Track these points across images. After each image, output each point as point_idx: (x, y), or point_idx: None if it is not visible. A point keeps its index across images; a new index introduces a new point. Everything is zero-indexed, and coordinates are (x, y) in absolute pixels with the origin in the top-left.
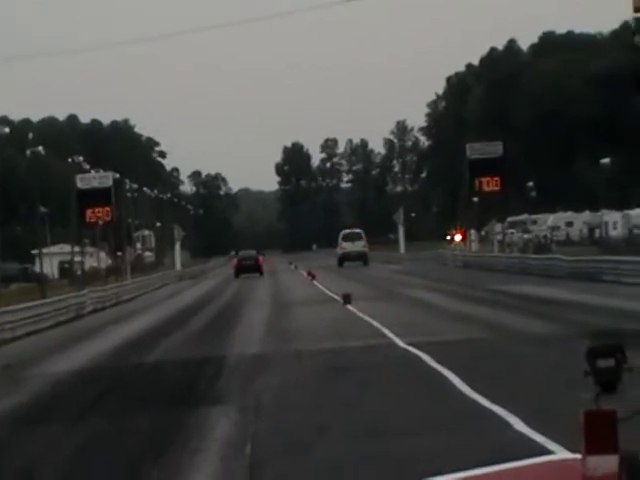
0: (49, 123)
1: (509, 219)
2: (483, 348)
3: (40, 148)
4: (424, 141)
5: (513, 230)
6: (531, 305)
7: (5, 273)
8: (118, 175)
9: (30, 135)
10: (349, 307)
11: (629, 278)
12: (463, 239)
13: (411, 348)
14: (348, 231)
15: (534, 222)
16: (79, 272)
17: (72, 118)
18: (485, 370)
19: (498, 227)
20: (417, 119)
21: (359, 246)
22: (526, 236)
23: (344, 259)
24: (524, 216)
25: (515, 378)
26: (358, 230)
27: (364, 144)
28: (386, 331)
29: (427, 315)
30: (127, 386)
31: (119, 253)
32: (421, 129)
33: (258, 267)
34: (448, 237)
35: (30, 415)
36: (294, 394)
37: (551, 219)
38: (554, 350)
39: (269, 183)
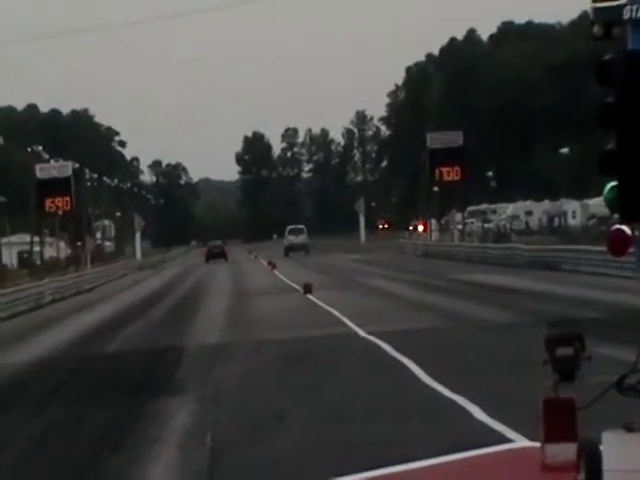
0: (7, 112)
1: (469, 208)
2: (443, 337)
3: None
4: (384, 131)
5: (473, 219)
6: (490, 294)
7: None
8: (78, 165)
9: None
10: (310, 296)
11: (588, 267)
12: (425, 230)
13: (371, 337)
14: (293, 227)
15: (494, 211)
16: (38, 262)
17: (31, 107)
18: (445, 359)
19: (458, 216)
20: (378, 109)
21: (302, 239)
22: (486, 225)
23: (289, 249)
24: (484, 206)
25: (475, 367)
26: (301, 226)
27: (324, 134)
28: (346, 320)
29: (387, 304)
30: (86, 376)
31: (79, 243)
32: (381, 119)
33: (224, 254)
34: (410, 227)
35: None
36: (254, 383)
37: (510, 208)
38: (513, 339)
39: (230, 173)
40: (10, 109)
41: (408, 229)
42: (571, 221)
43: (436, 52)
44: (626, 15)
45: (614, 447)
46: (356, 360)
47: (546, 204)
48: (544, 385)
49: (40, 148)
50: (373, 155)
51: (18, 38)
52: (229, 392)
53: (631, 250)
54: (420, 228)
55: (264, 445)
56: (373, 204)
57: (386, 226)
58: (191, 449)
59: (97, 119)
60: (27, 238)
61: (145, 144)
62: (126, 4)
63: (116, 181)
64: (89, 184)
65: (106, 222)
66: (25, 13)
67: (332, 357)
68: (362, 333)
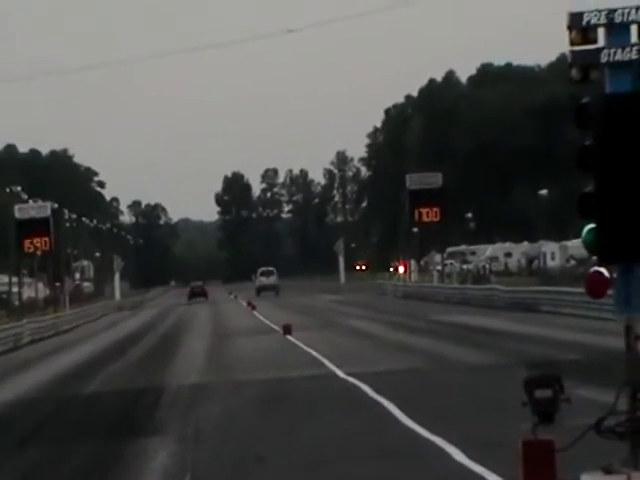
0: None
1: (448, 250)
2: (422, 378)
3: None
4: (364, 171)
5: (452, 261)
6: (470, 335)
7: None
8: (57, 205)
9: None
10: (289, 337)
11: (567, 309)
12: (406, 271)
13: (350, 378)
14: (264, 269)
15: (473, 253)
16: (17, 302)
17: (10, 147)
18: (424, 400)
19: (437, 257)
20: (357, 149)
21: (272, 280)
22: (465, 267)
23: (261, 290)
24: (463, 247)
25: (454, 408)
26: (271, 268)
27: (304, 174)
28: (326, 361)
29: (367, 345)
30: (65, 417)
31: (58, 283)
32: (361, 160)
33: (204, 293)
34: (391, 269)
35: None
36: (234, 424)
37: (490, 250)
38: (492, 380)
39: (209, 213)
40: None
41: (389, 270)
42: (550, 263)
43: (415, 93)
44: (604, 59)
45: None
46: (335, 401)
47: (525, 246)
48: (523, 427)
49: (19, 188)
50: (353, 196)
51: None
52: (209, 433)
53: (610, 292)
54: (401, 269)
55: None
56: (353, 245)
57: (363, 268)
58: None
59: (76, 159)
60: (5, 279)
61: (124, 184)
62: (105, 45)
63: (95, 221)
64: (68, 224)
65: (85, 263)
66: (4, 53)
67: (312, 398)
68: (341, 374)
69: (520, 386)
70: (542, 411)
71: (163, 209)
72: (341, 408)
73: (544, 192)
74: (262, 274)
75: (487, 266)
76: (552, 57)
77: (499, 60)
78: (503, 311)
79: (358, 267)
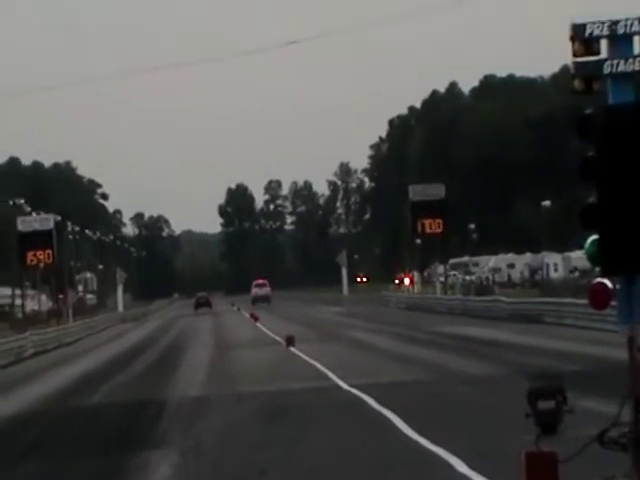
0: None
1: (451, 261)
2: (425, 390)
3: None
4: (368, 183)
5: (455, 272)
6: (472, 346)
7: None
8: (59, 217)
9: None
10: (292, 349)
11: (570, 320)
12: (411, 282)
13: (354, 390)
14: (258, 281)
15: (476, 264)
16: (20, 315)
17: (13, 160)
18: (427, 412)
19: (440, 269)
20: (361, 161)
21: (265, 291)
22: (468, 278)
23: (255, 300)
24: (466, 258)
25: (456, 419)
26: (265, 280)
27: (308, 186)
28: (329, 373)
29: (370, 357)
30: (67, 430)
31: (61, 296)
32: (364, 171)
33: (209, 303)
34: (396, 280)
35: None
36: (235, 436)
37: (492, 261)
38: (495, 391)
39: (212, 225)
40: None
41: (393, 282)
42: (553, 274)
43: (418, 105)
44: (606, 70)
45: None
46: (339, 413)
47: (528, 257)
48: (526, 438)
49: (22, 201)
50: (356, 207)
51: (0, 91)
52: (211, 445)
53: (613, 303)
54: (406, 281)
55: None
56: (356, 256)
57: (364, 280)
58: None
59: (79, 172)
60: (8, 291)
61: (127, 196)
62: (109, 57)
63: (98, 234)
64: (71, 237)
65: (88, 275)
66: (6, 66)
67: (314, 410)
68: (344, 386)
69: (523, 397)
70: (545, 422)
71: (166, 221)
72: (344, 420)
73: (547, 203)
74: (256, 286)
75: (490, 277)
76: (555, 68)
77: (501, 72)
78: (506, 322)
79: (359, 279)
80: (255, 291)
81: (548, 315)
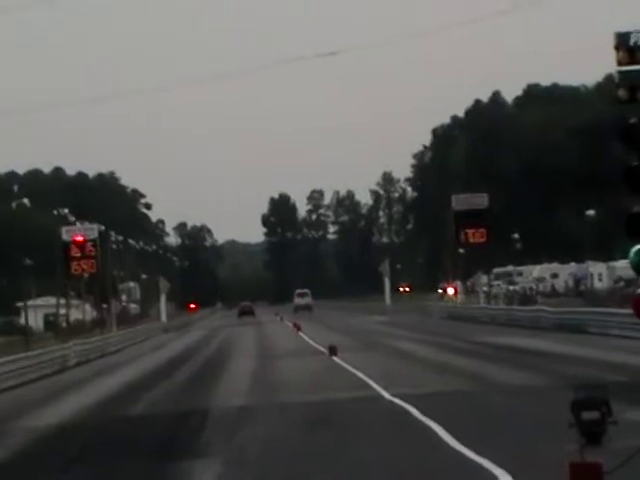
0: (34, 176)
1: (495, 270)
2: (468, 400)
3: (25, 200)
4: (410, 192)
5: (499, 282)
6: (516, 357)
7: None
8: (103, 227)
9: (15, 187)
10: (335, 359)
11: (615, 330)
12: (456, 293)
13: (396, 400)
14: (299, 290)
15: (519, 274)
16: (64, 324)
17: (58, 170)
18: (471, 422)
19: (484, 279)
20: (403, 170)
21: (306, 300)
22: (511, 287)
23: (297, 309)
24: (509, 267)
25: (501, 430)
26: (306, 290)
27: (350, 195)
28: (372, 383)
29: (412, 367)
30: (111, 439)
31: (104, 305)
32: (407, 180)
33: (252, 312)
34: (440, 290)
35: (13, 470)
36: (279, 446)
37: (536, 270)
38: (539, 402)
39: (255, 234)
40: (37, 172)
41: (437, 291)
42: (597, 284)
43: (461, 114)
44: None
45: None
46: (382, 423)
47: (572, 266)
48: (570, 449)
49: (66, 211)
50: (399, 217)
51: (46, 103)
52: (254, 455)
53: None
54: (450, 291)
55: None
56: (398, 266)
57: (407, 289)
58: None
59: (123, 181)
60: (53, 301)
61: (170, 206)
62: (153, 69)
63: (141, 243)
64: (115, 246)
65: (131, 284)
66: (54, 78)
67: (357, 420)
68: (387, 396)
69: (567, 408)
70: (589, 433)
71: (209, 231)
72: (387, 430)
73: (591, 212)
74: (298, 295)
75: (534, 287)
76: (599, 77)
77: (545, 80)
78: (550, 332)
79: (401, 288)
80: (297, 300)
81: (592, 325)
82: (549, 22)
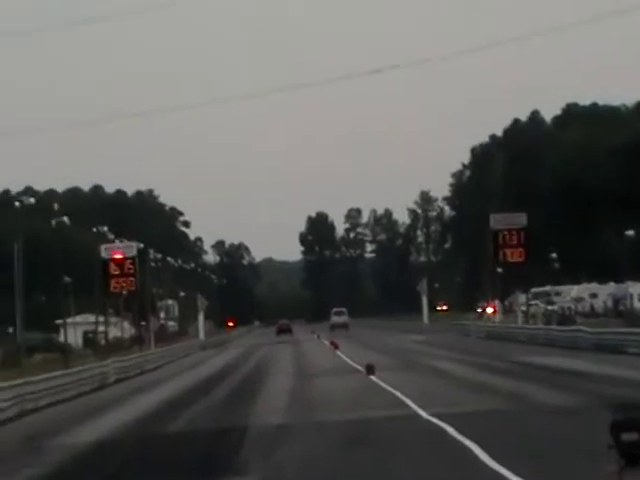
0: (74, 193)
1: (533, 290)
2: (506, 419)
3: (65, 218)
4: (448, 211)
5: (537, 301)
6: (554, 377)
7: (29, 343)
8: (142, 245)
9: (55, 205)
10: (372, 377)
11: None
12: (495, 312)
13: (434, 419)
14: (336, 309)
15: (558, 293)
16: (103, 342)
17: (97, 188)
18: (508, 441)
19: (522, 298)
20: (441, 189)
21: (343, 319)
22: (550, 307)
23: (334, 327)
24: (548, 287)
25: (539, 450)
26: (343, 309)
27: (388, 214)
28: (409, 402)
29: (450, 386)
30: (150, 456)
31: (143, 323)
32: (445, 199)
33: (290, 330)
34: (479, 309)
35: None
36: (317, 465)
37: (575, 290)
38: (578, 422)
39: (292, 253)
40: (76, 190)
41: (475, 311)
42: (637, 304)
43: (500, 133)
44: None
45: None
46: (419, 442)
47: (611, 286)
48: (608, 470)
49: (105, 228)
50: (437, 235)
51: (84, 121)
52: (292, 473)
53: None
54: (489, 310)
55: None
56: (436, 285)
57: (444, 308)
58: None
59: (161, 199)
60: (92, 318)
61: (209, 224)
62: (191, 88)
63: (180, 261)
64: (153, 264)
65: (170, 302)
66: (91, 97)
67: (395, 439)
68: (425, 415)
69: (606, 429)
70: (628, 454)
71: (247, 249)
72: (425, 449)
73: (630, 233)
74: (335, 314)
75: (572, 307)
76: (639, 97)
77: (584, 100)
78: (588, 353)
79: (439, 307)
80: (334, 319)
81: (632, 345)
82: (588, 40)
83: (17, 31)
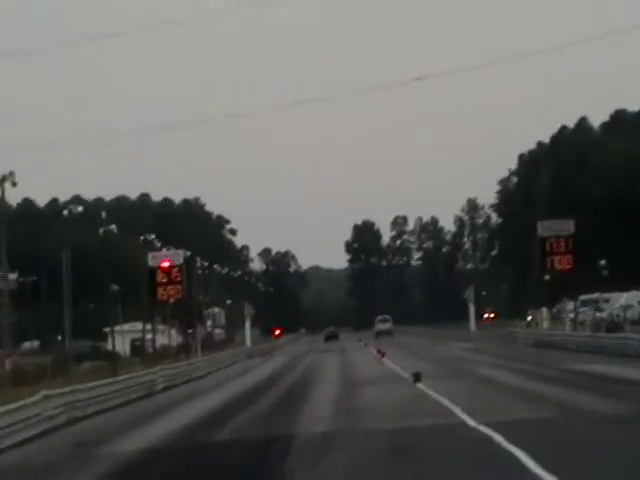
0: (121, 202)
1: (581, 297)
2: (554, 428)
3: (113, 226)
4: (495, 218)
5: (585, 308)
6: (604, 384)
7: (77, 351)
8: (189, 253)
9: (103, 214)
10: (419, 385)
11: None
12: (543, 319)
13: (482, 427)
14: (380, 317)
15: (606, 301)
16: (150, 350)
17: (144, 197)
18: (556, 450)
19: (570, 305)
20: (488, 196)
21: (387, 326)
22: (598, 315)
23: (378, 334)
24: (596, 294)
25: (588, 458)
26: (387, 316)
27: (434, 222)
28: (457, 410)
29: (498, 394)
30: (197, 465)
31: (190, 330)
32: (492, 206)
33: (337, 336)
34: (528, 317)
35: None
36: (363, 474)
37: (624, 298)
38: (629, 431)
39: (339, 261)
40: (124, 199)
41: (524, 319)
42: None
43: (547, 140)
44: None
45: None
46: (467, 451)
47: None
48: None
49: (153, 237)
50: (483, 243)
51: (130, 130)
52: None
53: None
54: (539, 317)
55: None
56: (483, 292)
57: (492, 315)
58: None
59: (208, 208)
60: (139, 326)
61: (255, 232)
62: (240, 96)
63: (226, 269)
64: (200, 272)
65: (216, 310)
66: (137, 107)
67: (442, 448)
68: (473, 423)
69: None
70: None
71: (293, 257)
72: (472, 458)
73: None
74: (379, 321)
75: (621, 314)
76: None
77: (633, 106)
78: (637, 360)
79: (486, 315)
80: (379, 326)
81: None
82: (637, 47)
83: (63, 42)
